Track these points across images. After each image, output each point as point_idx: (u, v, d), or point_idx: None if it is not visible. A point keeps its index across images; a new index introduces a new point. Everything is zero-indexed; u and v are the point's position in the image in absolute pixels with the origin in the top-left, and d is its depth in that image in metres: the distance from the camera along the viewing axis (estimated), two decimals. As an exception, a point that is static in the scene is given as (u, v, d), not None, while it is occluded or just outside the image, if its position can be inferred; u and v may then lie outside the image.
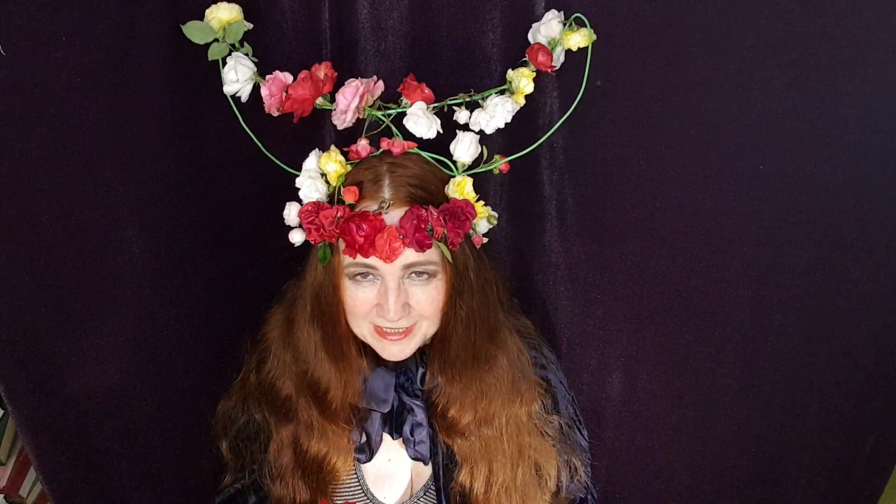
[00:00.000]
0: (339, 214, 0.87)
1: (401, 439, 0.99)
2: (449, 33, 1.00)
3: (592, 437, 1.10)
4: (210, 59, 0.93)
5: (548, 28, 0.95)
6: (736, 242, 1.03)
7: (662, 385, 1.14)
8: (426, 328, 0.92)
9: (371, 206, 0.87)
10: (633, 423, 1.17)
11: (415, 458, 0.99)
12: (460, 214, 0.88)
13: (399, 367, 0.97)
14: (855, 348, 1.08)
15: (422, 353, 0.97)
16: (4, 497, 1.25)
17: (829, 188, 0.99)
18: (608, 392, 1.16)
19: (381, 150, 0.92)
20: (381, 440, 0.99)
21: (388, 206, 0.86)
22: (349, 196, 0.87)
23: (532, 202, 1.07)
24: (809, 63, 0.93)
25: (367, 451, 0.99)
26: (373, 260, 0.85)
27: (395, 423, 0.98)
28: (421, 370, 0.97)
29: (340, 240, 0.87)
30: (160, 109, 0.95)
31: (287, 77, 0.95)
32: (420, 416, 0.98)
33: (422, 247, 0.85)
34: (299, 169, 0.95)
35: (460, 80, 0.99)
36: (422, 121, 0.93)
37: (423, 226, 0.84)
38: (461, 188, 0.90)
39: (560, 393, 1.05)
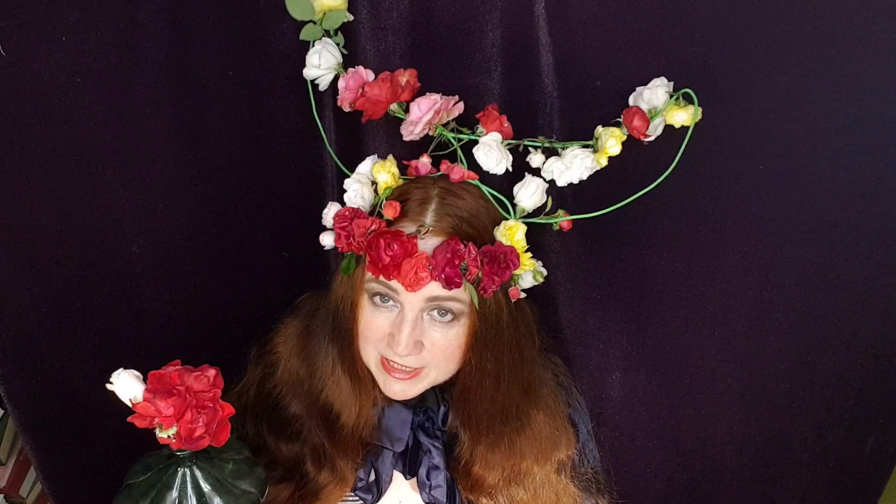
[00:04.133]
0: (372, 227, 0.80)
1: (414, 480, 0.92)
2: (449, 34, 1.00)
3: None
4: (301, 38, 0.91)
5: (652, 94, 0.88)
6: (736, 242, 1.03)
7: (662, 385, 1.14)
8: (435, 376, 0.85)
9: (409, 228, 0.80)
10: (633, 423, 1.17)
11: None
12: (502, 260, 0.80)
13: (418, 405, 0.91)
14: (855, 348, 1.08)
15: (442, 391, 0.91)
16: (4, 497, 1.25)
17: (830, 188, 0.99)
18: (608, 392, 1.16)
19: (439, 172, 0.86)
20: (391, 479, 0.92)
21: (426, 232, 0.79)
22: (389, 211, 0.81)
23: (532, 202, 1.07)
24: (809, 63, 0.93)
25: (375, 491, 0.92)
26: (395, 283, 0.79)
27: (409, 463, 0.91)
28: (443, 409, 0.91)
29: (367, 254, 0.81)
30: (160, 110, 0.95)
31: (368, 74, 0.91)
32: (437, 459, 0.90)
33: (449, 283, 0.78)
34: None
35: (460, 81, 0.98)
36: (493, 153, 0.86)
37: (456, 261, 0.77)
38: (511, 233, 0.83)
39: (584, 435, 1.01)
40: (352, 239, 0.81)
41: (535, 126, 1.01)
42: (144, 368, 1.02)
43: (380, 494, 0.92)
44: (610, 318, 1.11)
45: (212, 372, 0.69)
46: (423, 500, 0.92)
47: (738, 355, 1.10)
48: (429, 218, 0.81)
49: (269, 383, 0.95)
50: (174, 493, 0.71)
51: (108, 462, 1.05)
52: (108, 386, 0.69)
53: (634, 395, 1.15)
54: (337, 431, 0.89)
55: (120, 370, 0.70)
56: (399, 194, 0.84)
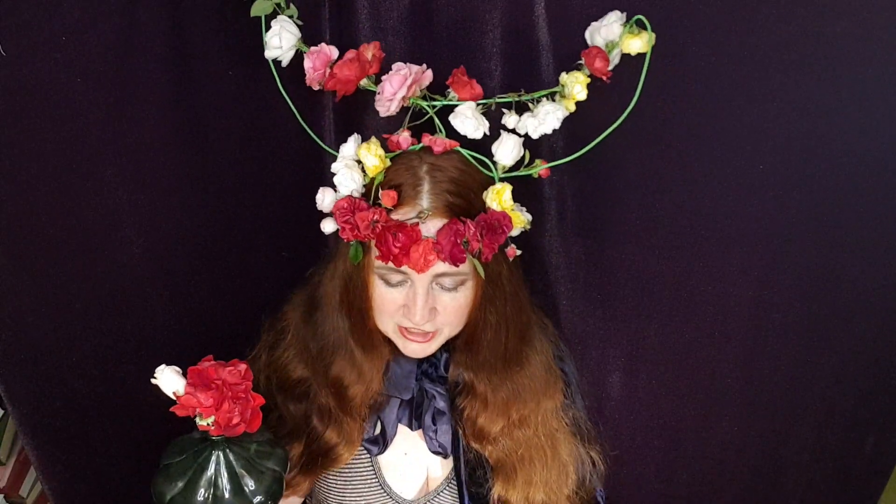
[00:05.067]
0: (374, 217, 0.85)
1: (419, 432, 0.98)
2: (449, 34, 1.00)
3: (607, 456, 1.09)
4: (252, 15, 0.90)
5: (608, 31, 0.90)
6: (736, 242, 1.03)
7: (662, 385, 1.14)
8: (448, 332, 0.92)
9: (408, 213, 0.85)
10: (633, 423, 1.17)
11: (435, 452, 0.97)
12: (497, 227, 0.86)
13: None
14: (855, 348, 1.08)
15: (445, 342, 0.96)
16: (4, 497, 1.25)
17: (830, 188, 0.99)
18: (608, 392, 1.16)
19: (421, 143, 0.90)
20: (395, 432, 0.98)
21: (427, 217, 0.84)
22: (387, 201, 0.85)
23: (532, 202, 1.07)
24: (809, 63, 0.93)
25: (381, 442, 0.97)
26: (404, 267, 0.85)
27: (414, 413, 0.97)
28: (445, 356, 0.97)
29: (374, 243, 0.86)
30: (160, 109, 0.95)
31: (332, 51, 0.92)
32: (442, 403, 0.96)
33: (456, 262, 0.84)
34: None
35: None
36: (469, 122, 0.90)
37: (458, 241, 0.83)
38: (500, 196, 0.88)
39: (574, 386, 1.05)
40: (357, 231, 0.86)
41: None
42: (144, 368, 1.02)
43: (385, 446, 0.97)
44: (610, 318, 1.11)
45: (242, 366, 0.78)
46: (430, 450, 0.97)
47: (738, 355, 1.10)
48: (425, 201, 0.85)
49: (280, 348, 1.00)
50: (209, 473, 0.78)
51: (108, 462, 1.05)
52: (153, 381, 0.77)
53: (634, 395, 1.15)
54: (348, 401, 0.94)
55: (162, 366, 0.77)
56: (391, 180, 0.88)
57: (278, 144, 1.02)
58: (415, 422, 0.97)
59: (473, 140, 0.92)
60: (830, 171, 0.98)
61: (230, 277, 1.09)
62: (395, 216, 0.85)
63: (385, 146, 0.91)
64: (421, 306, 0.86)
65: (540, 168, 0.95)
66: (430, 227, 0.84)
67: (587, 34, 0.94)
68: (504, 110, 0.95)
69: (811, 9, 0.91)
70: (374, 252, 0.86)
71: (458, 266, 0.84)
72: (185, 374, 0.78)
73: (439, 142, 0.88)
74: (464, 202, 0.87)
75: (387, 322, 0.91)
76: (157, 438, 1.01)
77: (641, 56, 0.92)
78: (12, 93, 0.84)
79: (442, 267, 0.85)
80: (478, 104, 0.93)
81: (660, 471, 1.20)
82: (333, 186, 0.91)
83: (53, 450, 1.00)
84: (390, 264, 0.85)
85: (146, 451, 1.03)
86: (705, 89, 0.96)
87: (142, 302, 1.00)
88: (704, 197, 1.01)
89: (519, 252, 0.94)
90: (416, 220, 0.84)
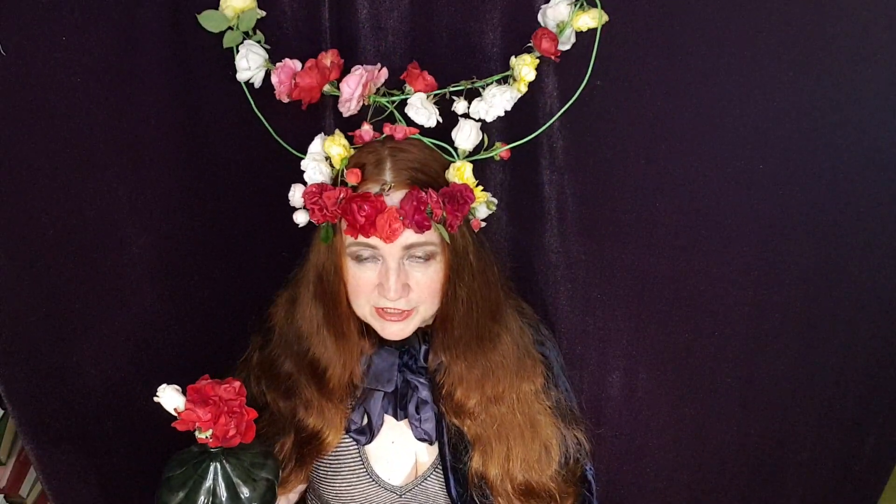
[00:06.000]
0: (341, 196, 0.88)
1: (405, 420, 1.00)
2: (449, 33, 1.00)
3: (592, 436, 1.10)
4: (225, 46, 0.93)
5: (555, 11, 0.94)
6: (736, 242, 1.03)
7: (662, 385, 1.14)
8: (424, 312, 0.93)
9: (373, 188, 0.88)
10: (632, 422, 1.17)
11: (420, 439, 1.00)
12: (459, 198, 0.89)
13: (402, 346, 0.99)
14: (855, 348, 1.08)
15: (424, 333, 0.99)
16: (4, 497, 1.25)
17: (829, 188, 0.99)
18: (608, 392, 1.16)
19: (384, 135, 0.93)
20: (382, 422, 1.00)
21: (390, 189, 0.87)
22: (352, 178, 0.89)
23: (532, 202, 1.07)
24: (809, 62, 0.93)
25: (368, 432, 1.00)
26: (374, 240, 0.87)
27: (399, 403, 1.00)
28: (424, 347, 0.99)
29: (342, 220, 0.89)
30: (160, 109, 0.95)
31: (296, 64, 0.96)
32: (424, 393, 0.99)
33: (421, 228, 0.86)
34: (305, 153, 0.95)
35: (460, 80, 0.99)
36: (421, 111, 0.95)
37: (422, 207, 0.86)
38: (461, 173, 0.92)
39: (557, 369, 1.06)
40: (325, 210, 0.89)
41: (536, 126, 1.01)
42: (144, 368, 1.02)
43: (372, 435, 1.00)
44: (610, 318, 1.11)
45: (237, 383, 0.84)
46: (416, 437, 1.00)
47: (737, 355, 1.10)
48: (388, 175, 0.89)
49: (268, 348, 1.03)
50: (208, 483, 0.84)
51: (108, 462, 1.05)
52: (155, 399, 0.82)
53: (634, 394, 1.15)
54: (325, 384, 0.97)
55: (164, 385, 0.82)
56: (355, 161, 0.91)
57: (278, 144, 1.02)
58: (400, 412, 0.99)
59: (435, 128, 0.95)
60: (830, 171, 0.98)
61: (230, 277, 1.09)
62: (360, 192, 0.88)
63: (351, 142, 0.94)
64: (394, 281, 0.88)
65: (500, 150, 0.98)
66: (395, 199, 0.87)
67: (539, 17, 0.97)
68: (454, 97, 0.97)
69: (811, 9, 0.91)
70: (345, 228, 0.89)
71: (423, 232, 0.87)
72: (184, 392, 0.83)
73: (399, 129, 0.92)
74: (426, 177, 0.90)
75: (363, 305, 0.92)
76: (157, 438, 1.01)
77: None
78: (12, 93, 0.84)
79: (410, 238, 0.87)
80: (430, 95, 0.97)
81: (660, 471, 1.20)
82: (304, 184, 0.94)
83: (53, 450, 1.00)
84: (360, 238, 0.87)
85: (146, 451, 1.03)
86: (705, 89, 0.96)
87: (141, 302, 1.00)
88: (704, 197, 1.01)
89: (483, 224, 0.97)
90: (379, 192, 0.87)
